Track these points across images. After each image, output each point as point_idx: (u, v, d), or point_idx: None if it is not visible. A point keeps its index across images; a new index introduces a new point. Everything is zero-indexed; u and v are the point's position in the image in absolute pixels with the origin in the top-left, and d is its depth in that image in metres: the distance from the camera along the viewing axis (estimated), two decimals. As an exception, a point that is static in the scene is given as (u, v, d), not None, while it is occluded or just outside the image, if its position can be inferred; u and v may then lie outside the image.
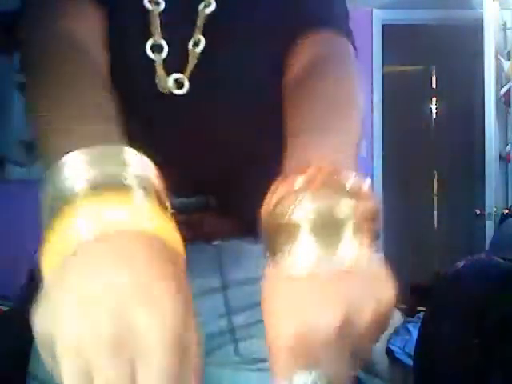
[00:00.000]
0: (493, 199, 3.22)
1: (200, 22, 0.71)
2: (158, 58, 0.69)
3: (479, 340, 1.78)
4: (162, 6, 0.69)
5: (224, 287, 0.70)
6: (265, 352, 0.65)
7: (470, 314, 1.85)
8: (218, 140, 0.70)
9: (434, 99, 5.24)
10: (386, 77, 3.88)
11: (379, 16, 3.75)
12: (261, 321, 0.63)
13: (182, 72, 0.69)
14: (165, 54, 0.69)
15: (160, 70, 0.69)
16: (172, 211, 0.60)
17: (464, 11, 3.55)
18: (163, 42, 0.69)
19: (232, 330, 0.70)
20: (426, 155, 5.13)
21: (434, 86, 5.21)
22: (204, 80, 0.70)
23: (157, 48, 0.69)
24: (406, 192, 4.83)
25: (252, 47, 0.72)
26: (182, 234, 0.60)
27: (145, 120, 0.70)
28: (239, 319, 0.70)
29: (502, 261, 1.96)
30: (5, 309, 2.89)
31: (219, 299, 0.70)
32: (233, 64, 0.72)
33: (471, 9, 3.45)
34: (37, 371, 0.72)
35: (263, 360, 0.62)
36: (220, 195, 0.68)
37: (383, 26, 3.78)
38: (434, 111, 5.25)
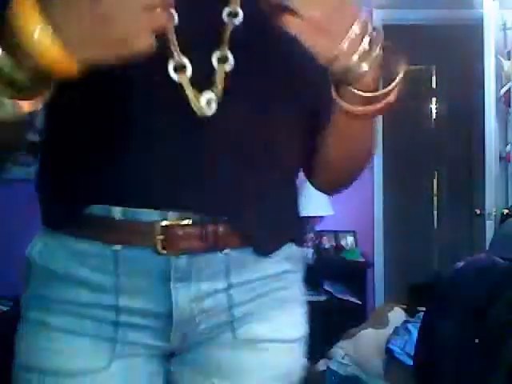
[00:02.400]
0: (493, 199, 3.21)
1: (226, 34, 0.69)
2: (183, 79, 0.67)
3: (479, 340, 1.78)
4: (176, 19, 0.66)
5: (228, 288, 0.75)
6: (261, 334, 0.75)
7: (469, 314, 1.85)
8: (237, 159, 0.72)
9: (433, 99, 5.24)
10: (386, 77, 3.88)
11: (379, 16, 3.75)
12: (258, 311, 0.75)
13: (204, 90, 0.68)
14: (189, 73, 0.67)
15: (189, 91, 0.67)
16: (190, 223, 0.69)
17: (464, 11, 3.55)
18: (186, 61, 0.67)
19: (232, 322, 0.76)
20: (426, 155, 5.13)
21: (434, 85, 5.21)
22: (229, 97, 0.69)
23: (179, 67, 0.67)
24: (406, 192, 4.83)
25: (278, 62, 0.72)
26: (198, 244, 0.70)
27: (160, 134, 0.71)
28: (239, 311, 0.76)
29: (501, 261, 1.96)
30: (5, 309, 2.89)
31: (223, 298, 0.75)
32: (258, 81, 0.72)
33: (471, 9, 3.45)
34: None
35: (259, 341, 0.78)
36: (233, 211, 0.73)
37: (383, 26, 3.77)
38: (434, 111, 5.25)
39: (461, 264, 2.03)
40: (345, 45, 0.61)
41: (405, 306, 2.76)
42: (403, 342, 2.46)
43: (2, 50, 0.53)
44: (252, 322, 0.77)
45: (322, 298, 3.41)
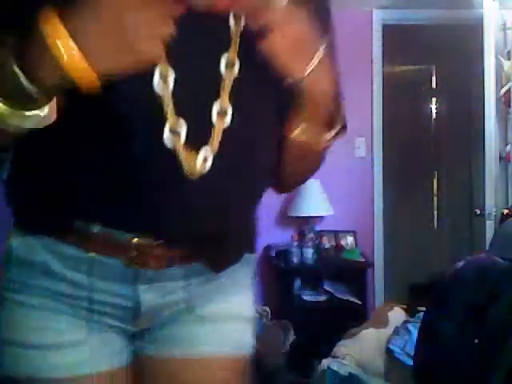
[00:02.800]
0: (493, 199, 3.21)
1: (226, 85, 0.71)
2: (177, 144, 0.70)
3: (479, 340, 1.78)
4: (172, 83, 0.68)
5: (187, 286, 0.86)
6: (217, 313, 0.90)
7: (470, 314, 1.85)
8: (215, 202, 0.77)
9: (433, 99, 5.24)
10: (385, 77, 3.88)
11: (379, 16, 3.75)
12: (216, 297, 0.89)
13: (200, 147, 0.71)
14: (184, 136, 0.69)
15: (182, 157, 0.70)
16: (162, 243, 0.79)
17: (464, 11, 3.55)
18: (181, 124, 0.69)
19: (192, 307, 0.88)
20: (426, 155, 5.13)
21: (434, 85, 5.21)
22: (222, 150, 0.72)
23: (173, 131, 0.69)
24: (405, 192, 4.83)
25: (271, 108, 0.77)
26: (164, 262, 0.81)
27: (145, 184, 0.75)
28: (198, 299, 0.88)
29: (501, 261, 1.96)
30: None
31: (184, 293, 0.86)
32: (250, 131, 0.75)
33: (471, 9, 3.45)
34: None
35: (216, 317, 0.89)
36: (199, 244, 0.81)
37: (383, 25, 3.78)
38: (434, 111, 5.25)
39: (461, 264, 2.03)
40: (312, 66, 0.70)
41: (405, 306, 2.76)
42: (403, 341, 2.46)
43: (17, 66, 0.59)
44: (210, 305, 0.88)
45: (322, 297, 3.41)
